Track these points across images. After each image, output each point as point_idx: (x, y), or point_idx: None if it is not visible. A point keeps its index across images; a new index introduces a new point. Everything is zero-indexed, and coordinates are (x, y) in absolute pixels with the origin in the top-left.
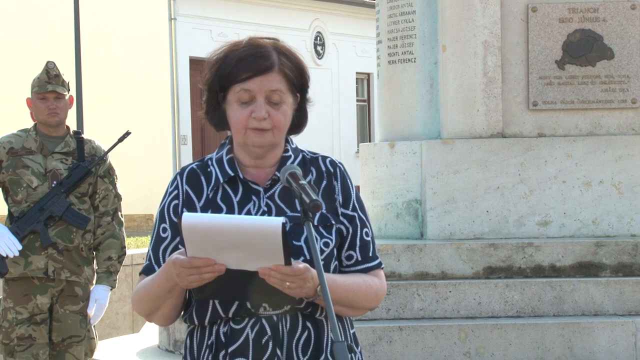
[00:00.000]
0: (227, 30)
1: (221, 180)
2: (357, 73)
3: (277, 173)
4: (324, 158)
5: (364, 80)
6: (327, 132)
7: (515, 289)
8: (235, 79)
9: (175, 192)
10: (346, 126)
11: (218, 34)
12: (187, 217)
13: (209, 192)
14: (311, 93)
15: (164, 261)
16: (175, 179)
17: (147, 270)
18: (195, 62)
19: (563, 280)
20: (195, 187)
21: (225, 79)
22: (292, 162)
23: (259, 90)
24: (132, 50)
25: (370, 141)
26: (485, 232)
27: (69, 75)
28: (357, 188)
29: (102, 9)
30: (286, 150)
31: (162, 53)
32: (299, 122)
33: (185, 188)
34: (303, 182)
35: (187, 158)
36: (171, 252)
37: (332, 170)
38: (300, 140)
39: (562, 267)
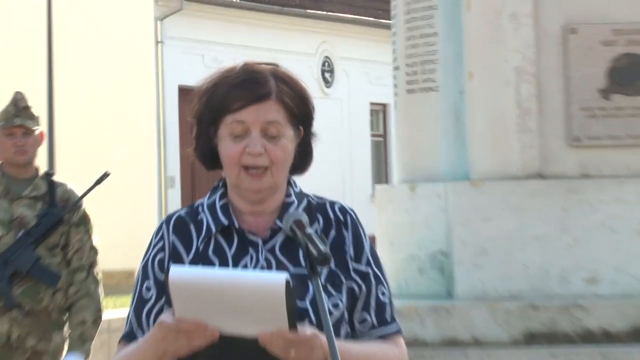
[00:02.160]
0: (221, 54)
1: (213, 230)
2: (371, 104)
3: (278, 222)
4: (333, 204)
5: (379, 112)
6: (336, 172)
7: (561, 359)
8: (227, 108)
9: (161, 243)
10: (359, 165)
11: (211, 59)
12: (175, 272)
13: (199, 244)
14: (318, 126)
15: (148, 326)
16: (160, 228)
17: (128, 337)
18: (184, 92)
19: (617, 348)
20: (183, 238)
21: (216, 110)
22: (296, 209)
23: (253, 122)
24: (113, 78)
25: (387, 183)
26: (524, 290)
27: (39, 108)
28: (372, 239)
29: (77, 30)
30: (289, 195)
31: (147, 81)
32: (302, 159)
33: (172, 239)
34: (310, 230)
35: (174, 203)
36: (157, 316)
37: (342, 218)
38: (305, 183)
39: (616, 332)
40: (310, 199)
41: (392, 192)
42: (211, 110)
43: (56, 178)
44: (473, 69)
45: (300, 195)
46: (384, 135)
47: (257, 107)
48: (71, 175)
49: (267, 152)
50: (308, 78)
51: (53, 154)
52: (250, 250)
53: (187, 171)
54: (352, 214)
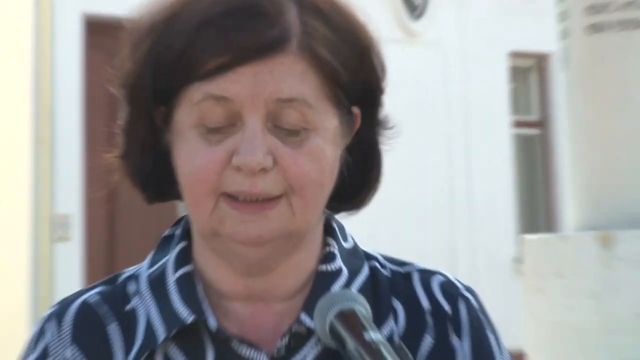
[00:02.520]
0: None
1: (161, 335)
2: (512, 55)
3: (304, 316)
4: (428, 276)
5: (529, 74)
6: (437, 206)
7: None
8: (193, 70)
9: None
10: (488, 189)
11: None
12: None
13: None
14: (393, 105)
15: None
16: (41, 331)
17: None
18: (95, 28)
19: None
20: (94, 352)
21: (169, 72)
22: (347, 286)
23: (250, 99)
24: None
25: (550, 229)
26: None
27: None
28: (517, 357)
29: None
30: (329, 256)
31: (16, 4)
32: (360, 178)
33: (68, 354)
34: (375, 335)
35: (69, 276)
36: None
37: (447, 309)
38: (369, 231)
39: None
40: (378, 266)
41: (563, 252)
42: (160, 73)
43: None
44: None
45: (356, 256)
46: (542, 124)
47: (257, 67)
48: None
49: (280, 165)
50: (373, 3)
51: None
52: None
53: (98, 205)
54: (472, 301)
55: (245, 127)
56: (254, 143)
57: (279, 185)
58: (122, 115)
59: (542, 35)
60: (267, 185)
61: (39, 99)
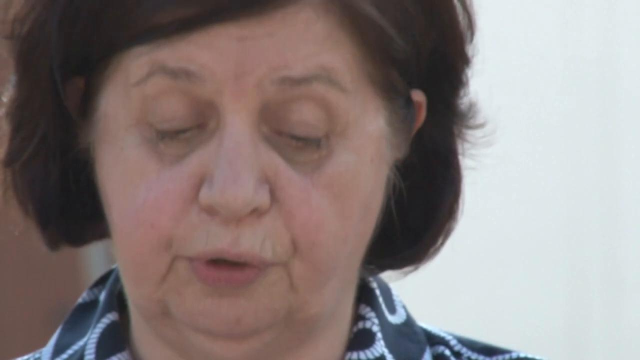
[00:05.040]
0: None
1: None
2: None
3: None
4: None
5: None
6: (560, 251)
7: None
8: (134, 24)
9: None
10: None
11: None
12: None
13: None
14: (488, 86)
15: None
16: None
17: None
18: None
19: None
20: None
21: (95, 24)
22: None
23: (232, 80)
24: None
25: None
26: None
27: None
28: None
29: None
30: (362, 337)
31: None
32: (419, 214)
33: None
34: None
35: None
36: None
37: None
38: (432, 289)
39: None
40: (447, 354)
41: None
42: (76, 26)
43: None
44: None
45: (408, 337)
46: None
47: (247, 26)
48: None
49: (283, 207)
50: None
51: None
52: None
53: None
54: None
55: (224, 130)
56: (238, 163)
57: (279, 240)
58: (6, 89)
59: None
60: (258, 241)
61: None
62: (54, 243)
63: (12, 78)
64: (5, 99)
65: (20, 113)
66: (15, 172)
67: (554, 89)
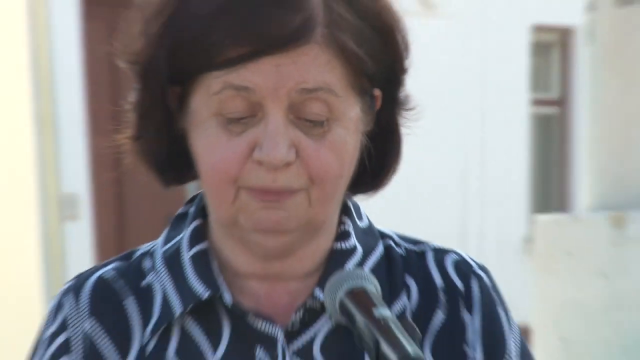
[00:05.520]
0: None
1: (177, 310)
2: (535, 28)
3: (318, 292)
4: (441, 255)
5: (551, 50)
6: (451, 186)
7: None
8: (211, 58)
9: (63, 337)
10: (502, 168)
11: None
12: None
13: (145, 341)
14: (414, 86)
15: None
16: (59, 305)
17: None
18: (98, 4)
19: None
20: (112, 327)
21: (185, 56)
22: (360, 264)
23: (272, 91)
24: None
25: (563, 210)
26: None
27: None
28: (525, 331)
29: None
30: (344, 234)
31: None
32: (379, 161)
33: (86, 328)
34: (384, 312)
35: (79, 253)
36: None
37: (460, 286)
38: (385, 210)
39: None
40: (392, 245)
41: (575, 232)
42: (176, 56)
43: None
44: None
45: (370, 235)
46: (562, 103)
47: (280, 59)
48: None
49: (302, 159)
50: None
51: None
52: (260, 352)
53: (106, 185)
54: (484, 278)
55: (268, 119)
56: (277, 138)
57: (301, 179)
58: (132, 94)
59: (566, 8)
60: (289, 179)
61: (38, 74)
62: (166, 183)
63: (134, 87)
64: (131, 100)
65: (141, 108)
66: (140, 143)
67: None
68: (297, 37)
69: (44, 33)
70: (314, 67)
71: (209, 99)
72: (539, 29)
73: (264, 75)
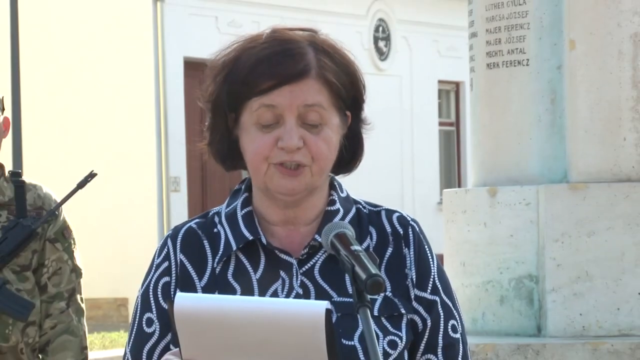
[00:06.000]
0: (240, 16)
1: (234, 246)
2: (439, 82)
3: (317, 237)
4: (390, 213)
5: (450, 93)
6: (393, 172)
7: None
8: (252, 90)
9: (166, 264)
10: (423, 163)
11: (227, 23)
12: (183, 300)
13: (215, 265)
14: (369, 111)
15: None
16: (164, 245)
17: None
18: (192, 66)
19: None
20: (195, 257)
21: (237, 92)
22: (342, 219)
23: (288, 106)
24: (97, 47)
25: (459, 186)
26: (637, 325)
27: (1, 88)
28: (440, 259)
29: None
30: (332, 201)
31: (143, 52)
32: (350, 154)
33: (180, 258)
34: (357, 247)
35: (180, 213)
36: (160, 356)
37: (401, 232)
38: (353, 186)
39: None
40: (361, 207)
41: (466, 199)
42: (231, 93)
43: (25, 179)
44: (576, 37)
45: (347, 201)
46: (456, 124)
47: (292, 87)
48: (45, 176)
49: (307, 146)
50: (356, 48)
51: (20, 147)
52: (282, 273)
53: (195, 170)
54: (415, 227)
55: (286, 123)
56: (292, 133)
57: (306, 157)
58: (207, 120)
59: (459, 70)
60: (299, 157)
61: (159, 108)
62: (228, 168)
63: (208, 115)
64: (206, 123)
65: (212, 127)
66: (212, 147)
67: (388, 115)
68: (301, 75)
69: (162, 84)
70: (311, 92)
71: (251, 115)
72: (443, 82)
73: (283, 97)
